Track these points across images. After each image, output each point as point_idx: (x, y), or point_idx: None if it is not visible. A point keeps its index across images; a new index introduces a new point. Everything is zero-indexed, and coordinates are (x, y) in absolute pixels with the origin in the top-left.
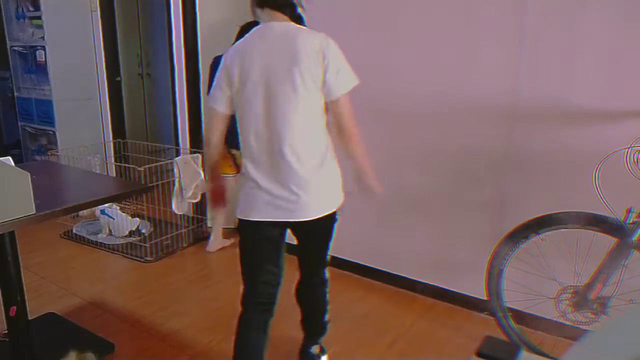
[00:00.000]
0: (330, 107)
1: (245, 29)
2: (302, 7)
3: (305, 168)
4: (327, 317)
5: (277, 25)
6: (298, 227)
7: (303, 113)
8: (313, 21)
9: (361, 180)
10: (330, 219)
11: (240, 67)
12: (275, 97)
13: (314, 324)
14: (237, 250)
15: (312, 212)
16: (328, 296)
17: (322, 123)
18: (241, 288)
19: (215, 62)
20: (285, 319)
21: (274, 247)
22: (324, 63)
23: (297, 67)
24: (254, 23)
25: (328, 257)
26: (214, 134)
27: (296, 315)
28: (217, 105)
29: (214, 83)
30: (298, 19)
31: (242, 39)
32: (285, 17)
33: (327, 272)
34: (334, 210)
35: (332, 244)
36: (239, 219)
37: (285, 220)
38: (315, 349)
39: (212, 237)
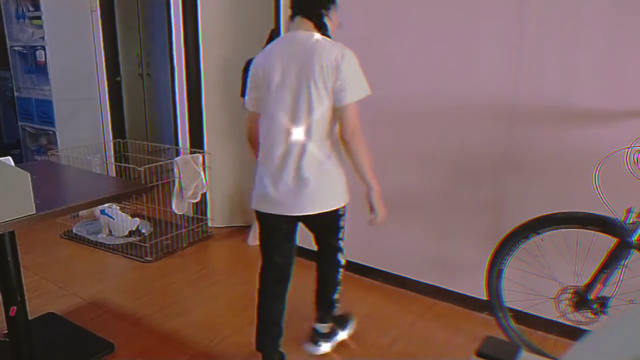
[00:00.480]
0: (337, 114)
1: (275, 32)
2: (328, 17)
3: (311, 168)
4: (336, 296)
5: (301, 34)
6: (306, 220)
7: (313, 119)
8: None
9: (367, 198)
10: (334, 214)
11: (263, 71)
12: (291, 101)
13: (323, 299)
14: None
15: (314, 208)
16: (339, 278)
17: (329, 128)
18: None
19: (248, 65)
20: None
21: (283, 236)
22: (336, 74)
23: (311, 75)
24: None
25: (340, 244)
26: (250, 132)
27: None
28: (249, 107)
29: (248, 86)
30: (323, 28)
31: (269, 45)
32: (312, 25)
33: (342, 258)
34: (336, 208)
35: (343, 233)
36: (254, 210)
37: (290, 215)
38: (324, 328)
39: (252, 232)
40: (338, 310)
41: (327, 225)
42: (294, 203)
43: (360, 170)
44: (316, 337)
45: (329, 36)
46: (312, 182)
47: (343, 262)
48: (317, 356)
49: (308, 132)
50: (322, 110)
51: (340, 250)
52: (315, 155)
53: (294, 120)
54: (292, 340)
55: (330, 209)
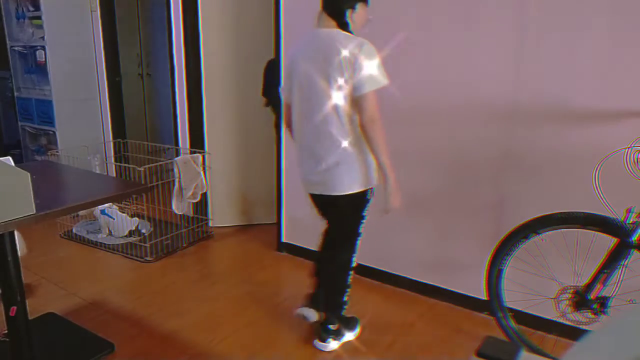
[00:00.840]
0: (356, 103)
1: (273, 62)
2: (351, 15)
3: (332, 154)
4: (345, 298)
5: (323, 31)
6: (330, 200)
7: (333, 108)
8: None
9: (383, 185)
10: (355, 198)
11: (292, 64)
12: (313, 91)
13: (332, 301)
14: None
15: (337, 189)
16: (350, 281)
17: (348, 117)
18: None
19: (269, 65)
20: None
21: (321, 211)
22: (354, 65)
23: (331, 68)
24: None
25: (357, 242)
26: (286, 119)
27: None
28: (283, 96)
29: (282, 79)
30: (344, 25)
31: (299, 40)
32: (334, 23)
33: (354, 260)
34: (357, 191)
35: (362, 227)
36: None
37: (319, 194)
38: (333, 326)
39: None
40: (346, 311)
41: (349, 209)
42: (319, 184)
43: (377, 157)
44: (324, 335)
45: (350, 32)
46: (333, 167)
47: (354, 264)
48: (321, 355)
49: (329, 121)
50: (341, 100)
51: (354, 249)
52: (336, 141)
53: (317, 109)
54: (298, 337)
55: (351, 192)
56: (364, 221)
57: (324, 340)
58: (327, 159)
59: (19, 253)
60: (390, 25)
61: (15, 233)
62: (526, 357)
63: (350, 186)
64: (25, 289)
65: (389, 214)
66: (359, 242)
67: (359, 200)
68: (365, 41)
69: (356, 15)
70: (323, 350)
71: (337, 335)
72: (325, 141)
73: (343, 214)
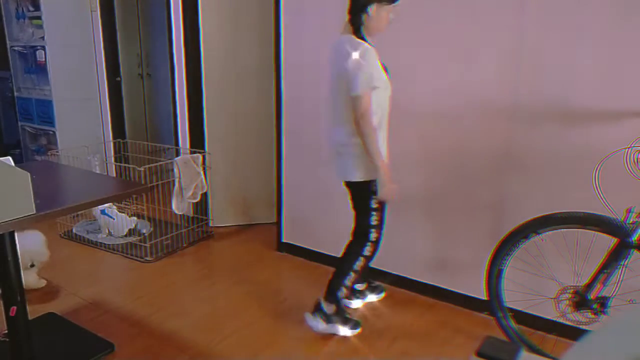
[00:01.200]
0: (351, 102)
1: None
2: (363, 23)
3: (343, 145)
4: (347, 282)
5: (341, 37)
6: (348, 186)
7: (341, 105)
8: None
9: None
10: (360, 187)
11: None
12: (330, 91)
13: (334, 277)
14: None
15: (345, 176)
16: (356, 267)
17: (347, 114)
18: None
19: None
20: None
21: (349, 196)
22: (349, 69)
23: (337, 71)
24: None
25: (371, 233)
26: None
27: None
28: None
29: None
30: (358, 31)
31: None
32: (351, 29)
33: (367, 249)
34: (361, 180)
35: (374, 219)
36: None
37: (342, 179)
38: (328, 308)
39: None
40: (345, 303)
41: (356, 198)
42: (339, 170)
43: (367, 151)
44: (316, 311)
45: (362, 37)
46: (343, 156)
47: (366, 252)
48: (321, 354)
49: (340, 116)
50: (344, 99)
51: (368, 238)
52: (342, 136)
53: (332, 106)
54: (298, 337)
55: (354, 180)
56: (374, 214)
57: (313, 315)
58: (341, 150)
59: (42, 257)
60: (390, 26)
61: (41, 237)
62: (526, 357)
63: (353, 174)
64: (25, 289)
65: (387, 203)
66: (373, 235)
67: (364, 190)
68: (361, 47)
69: (371, 19)
70: (309, 325)
71: (328, 320)
72: (337, 134)
73: (354, 201)
